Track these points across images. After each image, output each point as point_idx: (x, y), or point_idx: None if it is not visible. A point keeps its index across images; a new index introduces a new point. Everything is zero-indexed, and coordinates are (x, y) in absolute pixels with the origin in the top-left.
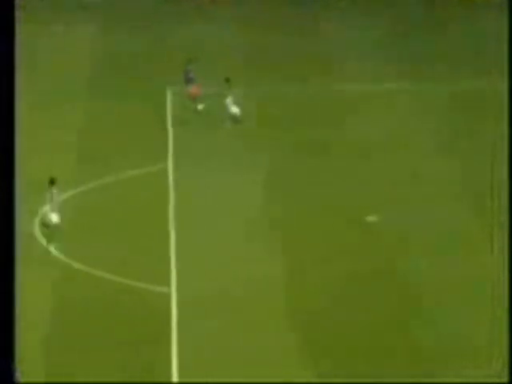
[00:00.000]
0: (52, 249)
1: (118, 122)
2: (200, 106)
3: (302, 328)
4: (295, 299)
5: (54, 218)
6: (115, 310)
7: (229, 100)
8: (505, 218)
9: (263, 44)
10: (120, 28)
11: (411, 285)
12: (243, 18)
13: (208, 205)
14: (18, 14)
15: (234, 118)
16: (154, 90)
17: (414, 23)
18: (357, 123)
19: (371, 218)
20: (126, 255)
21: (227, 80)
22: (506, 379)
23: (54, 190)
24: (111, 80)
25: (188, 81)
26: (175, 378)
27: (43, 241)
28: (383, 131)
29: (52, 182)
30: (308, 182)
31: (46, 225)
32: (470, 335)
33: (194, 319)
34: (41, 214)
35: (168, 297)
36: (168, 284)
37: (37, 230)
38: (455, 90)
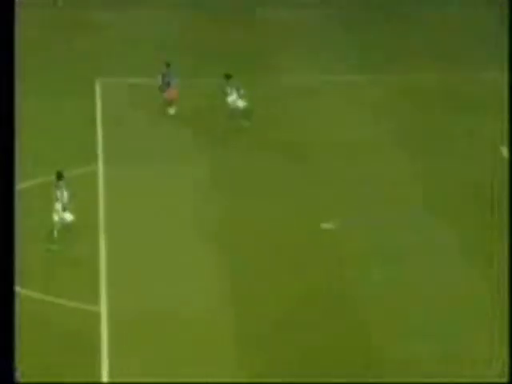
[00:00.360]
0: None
1: (42, 119)
2: (171, 111)
3: (246, 348)
4: (240, 317)
5: (68, 216)
6: (40, 329)
7: (232, 98)
8: (475, 222)
9: (205, 34)
10: None
11: (369, 296)
12: (179, 4)
13: (142, 211)
14: None
15: (245, 114)
16: (81, 82)
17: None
18: (306, 119)
19: (327, 226)
20: (51, 268)
21: (228, 76)
22: (505, 379)
23: (63, 186)
24: (32, 70)
25: (165, 85)
26: None
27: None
28: (338, 130)
29: (59, 176)
30: (254, 185)
31: (58, 224)
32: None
33: (125, 339)
34: None
35: (97, 316)
36: (97, 302)
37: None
38: (419, 84)
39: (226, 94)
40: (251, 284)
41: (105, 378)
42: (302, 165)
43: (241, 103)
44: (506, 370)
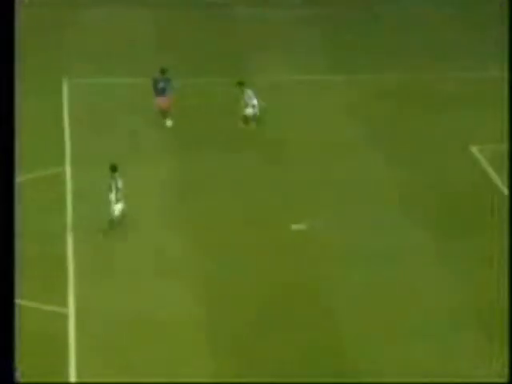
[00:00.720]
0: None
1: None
2: (169, 123)
3: (219, 348)
4: (213, 318)
5: (118, 208)
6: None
7: (246, 101)
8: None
9: (179, 32)
10: None
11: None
12: (153, 2)
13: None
14: None
15: (255, 117)
16: (48, 81)
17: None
18: (278, 119)
19: (298, 227)
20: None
21: (241, 83)
22: (505, 379)
23: (117, 177)
24: None
25: (157, 92)
26: None
27: None
28: (313, 130)
29: (114, 168)
30: (228, 185)
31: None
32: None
33: (93, 340)
34: None
35: (65, 317)
36: (65, 304)
37: None
38: (395, 84)
39: (245, 105)
40: (224, 284)
41: (72, 378)
42: (275, 165)
43: (252, 111)
44: (506, 370)
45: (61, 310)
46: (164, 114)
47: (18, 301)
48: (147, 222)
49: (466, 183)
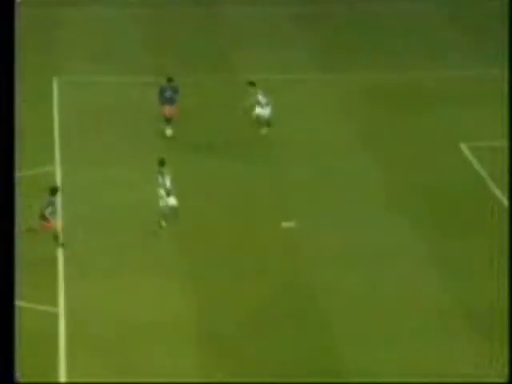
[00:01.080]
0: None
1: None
2: (168, 132)
3: (208, 349)
4: (202, 318)
5: (172, 201)
6: None
7: (260, 109)
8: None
9: (165, 30)
10: None
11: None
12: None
13: (99, 212)
14: None
15: (268, 122)
16: (39, 80)
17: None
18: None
19: (288, 224)
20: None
21: (252, 83)
22: (505, 379)
23: (165, 172)
24: None
25: (164, 100)
26: None
27: None
28: (301, 127)
29: (162, 162)
30: (217, 185)
31: (165, 209)
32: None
33: (84, 340)
34: None
35: (55, 317)
36: (55, 303)
37: None
38: (382, 82)
39: (257, 104)
40: (213, 284)
41: (62, 378)
42: (263, 164)
43: (266, 111)
44: (506, 370)
45: (51, 310)
46: (168, 121)
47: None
48: (131, 221)
49: (457, 182)
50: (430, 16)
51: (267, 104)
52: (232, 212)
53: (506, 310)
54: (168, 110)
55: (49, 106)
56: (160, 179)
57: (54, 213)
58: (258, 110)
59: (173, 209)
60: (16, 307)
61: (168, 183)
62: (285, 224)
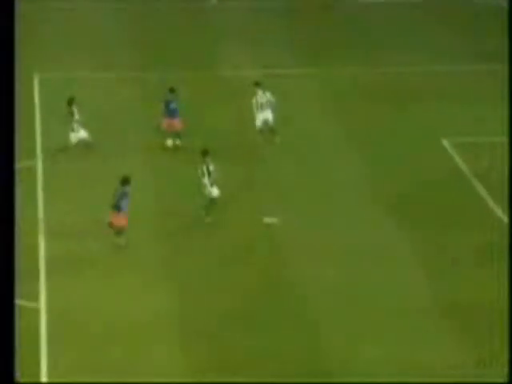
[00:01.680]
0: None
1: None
2: (169, 143)
3: (191, 346)
4: (185, 315)
5: (215, 191)
6: None
7: (263, 113)
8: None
9: (148, 25)
10: None
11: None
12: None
13: (82, 207)
14: None
15: (272, 130)
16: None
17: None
18: (250, 115)
19: (269, 220)
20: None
21: (257, 84)
22: (505, 379)
23: (210, 162)
24: None
25: (169, 113)
26: None
27: None
28: (284, 123)
29: (205, 152)
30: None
31: (207, 198)
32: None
33: (65, 337)
34: None
35: (37, 312)
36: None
37: None
38: (361, 77)
39: (257, 109)
40: (197, 281)
41: (44, 378)
42: (246, 161)
43: (267, 115)
44: (506, 370)
45: (32, 306)
46: (170, 134)
47: None
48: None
49: (439, 179)
50: (414, 11)
51: (269, 106)
52: (217, 207)
53: (488, 306)
54: (173, 123)
55: (31, 103)
56: (204, 169)
57: (125, 204)
58: (261, 115)
59: (214, 200)
60: None
61: (212, 173)
62: (267, 220)
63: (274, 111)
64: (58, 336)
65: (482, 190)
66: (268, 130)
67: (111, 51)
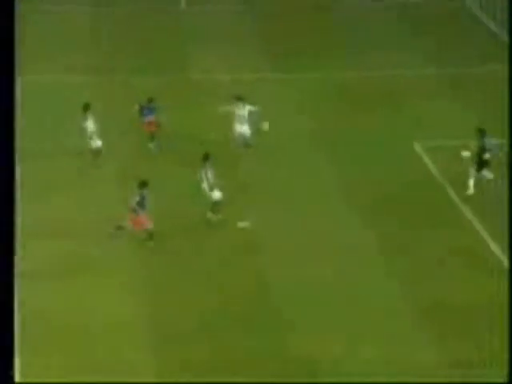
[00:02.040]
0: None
1: None
2: (152, 145)
3: (162, 350)
4: (156, 319)
5: (216, 195)
6: None
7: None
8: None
9: (122, 27)
10: None
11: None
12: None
13: (56, 213)
14: None
15: (246, 144)
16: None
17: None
18: (219, 119)
19: (242, 224)
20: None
21: (239, 98)
22: (505, 379)
23: (209, 167)
24: None
25: (144, 115)
26: None
27: None
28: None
29: (206, 157)
30: (170, 185)
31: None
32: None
33: (38, 341)
34: None
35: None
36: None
37: None
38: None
39: (238, 121)
40: (169, 285)
41: (16, 378)
42: (217, 164)
43: (245, 129)
44: (506, 370)
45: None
46: (150, 135)
47: None
48: (87, 218)
49: (409, 181)
50: (383, 16)
51: (247, 121)
52: (190, 210)
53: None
54: (149, 120)
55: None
56: (203, 173)
57: (143, 207)
58: (238, 128)
59: (217, 202)
60: None
61: (211, 177)
62: (240, 224)
63: (253, 124)
64: (30, 336)
65: (451, 192)
66: (243, 142)
67: (75, 55)
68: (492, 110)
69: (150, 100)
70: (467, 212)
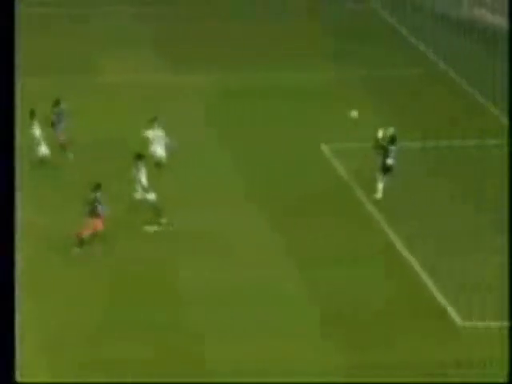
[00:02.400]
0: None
1: None
2: (70, 155)
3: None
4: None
5: (150, 195)
6: None
7: (152, 143)
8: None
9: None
10: None
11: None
12: None
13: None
14: None
15: (158, 164)
16: None
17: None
18: (120, 120)
19: (149, 228)
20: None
21: (152, 120)
22: (505, 379)
23: (141, 166)
24: None
25: (56, 125)
26: None
27: None
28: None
29: (139, 157)
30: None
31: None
32: None
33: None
34: None
35: None
36: None
37: None
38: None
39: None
40: (75, 284)
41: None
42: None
43: (159, 151)
44: (506, 370)
45: None
46: (63, 147)
47: None
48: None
49: (317, 181)
50: (293, 17)
51: (159, 142)
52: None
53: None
54: (59, 135)
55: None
56: (134, 173)
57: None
58: (155, 148)
59: (147, 202)
60: None
61: (143, 178)
62: (147, 228)
63: (166, 148)
64: (28, 340)
65: (359, 191)
66: (155, 162)
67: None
68: (401, 113)
69: (57, 102)
70: (375, 213)
